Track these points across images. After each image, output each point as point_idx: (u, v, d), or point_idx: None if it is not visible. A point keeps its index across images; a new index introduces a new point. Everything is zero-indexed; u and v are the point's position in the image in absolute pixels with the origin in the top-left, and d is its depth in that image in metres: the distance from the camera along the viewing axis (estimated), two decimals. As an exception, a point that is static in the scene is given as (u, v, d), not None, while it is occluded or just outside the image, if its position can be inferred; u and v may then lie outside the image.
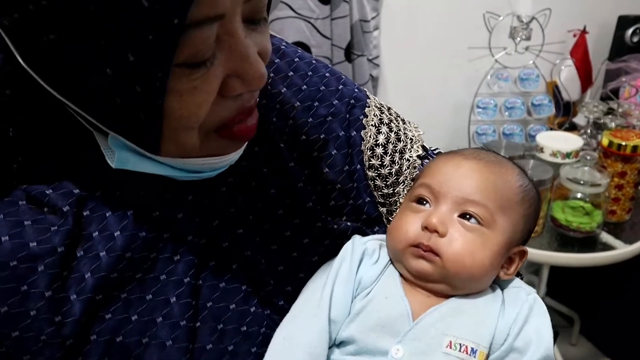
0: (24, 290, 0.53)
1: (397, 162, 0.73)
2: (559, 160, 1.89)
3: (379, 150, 0.72)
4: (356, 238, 0.69)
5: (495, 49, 2.14)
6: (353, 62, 2.04)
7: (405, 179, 0.74)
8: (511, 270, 0.68)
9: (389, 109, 0.77)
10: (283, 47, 0.72)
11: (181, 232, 0.60)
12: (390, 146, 0.73)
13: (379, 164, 0.72)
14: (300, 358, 0.60)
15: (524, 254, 0.69)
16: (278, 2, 1.89)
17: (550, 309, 0.72)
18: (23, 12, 0.43)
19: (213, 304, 0.61)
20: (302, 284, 0.67)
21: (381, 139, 0.73)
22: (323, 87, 0.71)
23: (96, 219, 0.57)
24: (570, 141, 1.94)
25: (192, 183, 0.60)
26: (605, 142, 1.73)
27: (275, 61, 0.70)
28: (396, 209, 0.73)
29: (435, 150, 0.80)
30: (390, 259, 0.68)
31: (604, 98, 2.27)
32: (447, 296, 0.65)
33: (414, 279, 0.65)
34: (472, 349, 0.60)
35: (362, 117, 0.72)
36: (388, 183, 0.73)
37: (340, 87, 0.73)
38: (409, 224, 0.66)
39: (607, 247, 1.71)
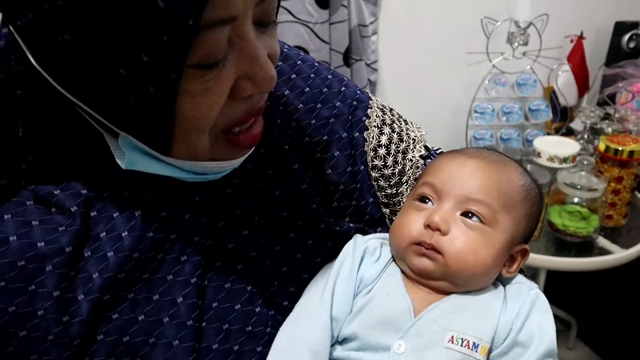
0: (31, 290, 0.53)
1: (400, 162, 0.74)
2: (556, 165, 1.90)
3: (382, 151, 0.73)
4: (357, 237, 0.70)
5: (492, 54, 2.14)
6: (351, 67, 2.04)
7: (409, 179, 0.74)
8: (513, 268, 0.68)
9: (390, 110, 0.77)
10: (285, 49, 0.72)
11: (188, 232, 0.60)
12: (393, 147, 0.74)
13: (382, 165, 0.73)
14: (303, 356, 0.61)
15: (525, 252, 0.69)
16: (277, 7, 1.89)
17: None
18: (38, 13, 0.43)
19: (219, 305, 0.61)
20: (306, 285, 0.68)
21: (384, 139, 0.73)
22: (325, 89, 0.72)
23: (103, 219, 0.57)
24: (567, 146, 1.95)
25: (199, 184, 0.60)
26: (602, 147, 1.74)
27: (278, 64, 0.70)
28: (399, 209, 0.74)
29: (437, 150, 0.80)
30: (392, 257, 0.69)
31: (601, 103, 2.27)
32: (448, 293, 0.65)
33: (416, 277, 0.66)
34: (474, 343, 0.61)
35: (364, 118, 0.72)
36: (391, 183, 0.74)
37: (343, 89, 0.73)
38: (412, 222, 0.66)
39: (604, 251, 1.71)
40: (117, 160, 0.54)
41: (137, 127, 0.51)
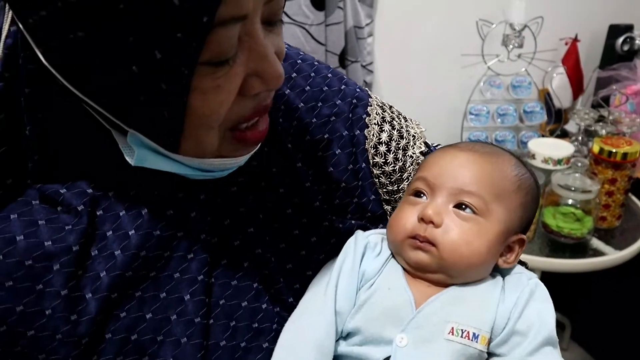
0: (39, 289, 0.53)
1: (401, 159, 0.75)
2: (550, 166, 1.91)
3: (383, 148, 0.73)
4: (359, 233, 0.70)
5: (488, 56, 2.15)
6: (347, 68, 2.04)
7: (410, 176, 0.75)
8: (511, 258, 0.69)
9: (390, 107, 0.78)
10: (285, 49, 0.73)
11: (195, 230, 0.60)
12: (394, 144, 0.74)
13: (382, 162, 0.73)
14: (308, 352, 0.61)
15: (523, 242, 0.70)
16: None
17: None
18: (51, 10, 0.43)
19: (226, 302, 0.61)
20: (310, 282, 0.68)
21: (384, 137, 0.74)
22: (326, 88, 0.72)
23: (110, 218, 0.57)
24: (561, 148, 1.96)
25: (204, 182, 0.61)
26: (596, 149, 1.75)
27: None
28: (400, 205, 0.74)
29: (437, 146, 0.81)
30: (392, 252, 0.69)
31: (595, 105, 2.28)
32: (447, 285, 0.66)
33: (413, 270, 0.66)
34: (474, 334, 0.62)
35: (364, 116, 0.73)
36: (392, 180, 0.74)
37: (343, 87, 0.74)
38: (407, 216, 0.67)
39: (598, 253, 1.72)
40: (127, 158, 0.54)
41: (146, 124, 0.51)
